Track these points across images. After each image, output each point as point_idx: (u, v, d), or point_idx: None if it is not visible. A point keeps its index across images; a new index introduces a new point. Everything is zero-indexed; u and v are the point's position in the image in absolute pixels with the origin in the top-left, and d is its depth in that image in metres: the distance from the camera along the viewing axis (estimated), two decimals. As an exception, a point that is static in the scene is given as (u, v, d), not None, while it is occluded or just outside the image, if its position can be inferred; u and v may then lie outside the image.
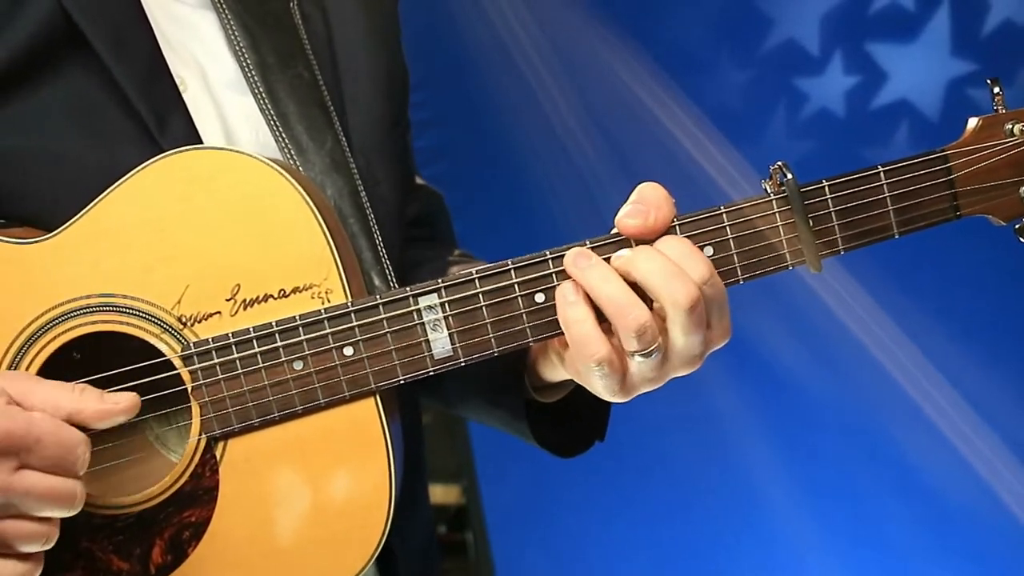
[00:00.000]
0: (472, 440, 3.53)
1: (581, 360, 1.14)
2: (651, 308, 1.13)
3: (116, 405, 1.11)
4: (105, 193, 1.17)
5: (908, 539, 3.14)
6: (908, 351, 3.05)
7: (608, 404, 1.37)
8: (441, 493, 3.66)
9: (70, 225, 1.17)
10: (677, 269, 1.11)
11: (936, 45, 3.06)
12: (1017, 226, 1.21)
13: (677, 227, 1.16)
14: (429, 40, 3.23)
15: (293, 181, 1.18)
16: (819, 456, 3.21)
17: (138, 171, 1.17)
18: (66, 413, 1.09)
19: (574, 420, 1.40)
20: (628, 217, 1.14)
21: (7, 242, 1.17)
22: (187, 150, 1.18)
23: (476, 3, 3.27)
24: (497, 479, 3.53)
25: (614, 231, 1.16)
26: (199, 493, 1.18)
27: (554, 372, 1.29)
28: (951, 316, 3.03)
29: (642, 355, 1.12)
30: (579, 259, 1.14)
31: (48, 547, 1.08)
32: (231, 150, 1.20)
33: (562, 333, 1.16)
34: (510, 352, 1.19)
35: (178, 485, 1.18)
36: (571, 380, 1.29)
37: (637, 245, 1.15)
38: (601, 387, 1.16)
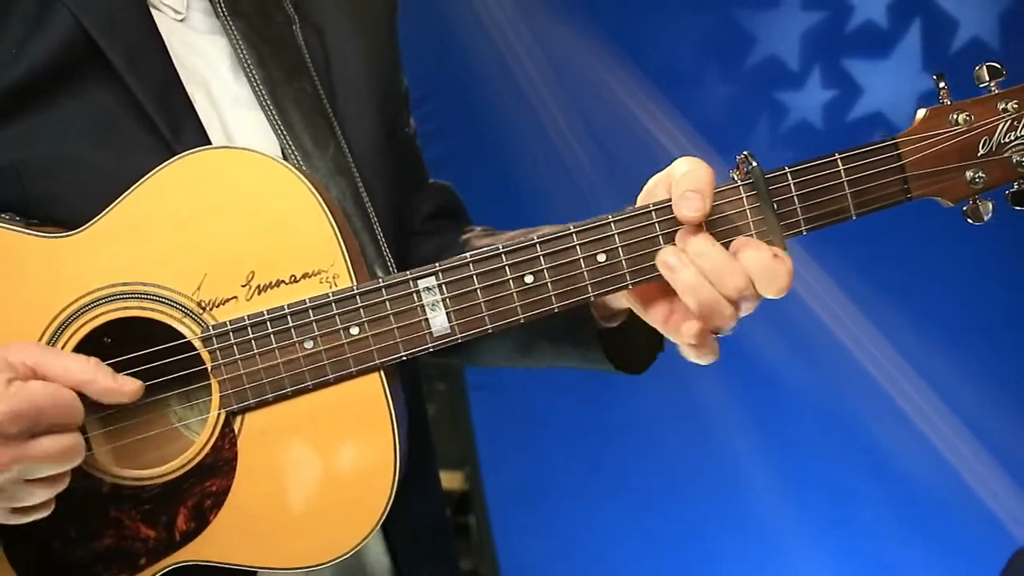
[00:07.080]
0: (475, 429, 3.62)
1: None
2: None
3: (124, 386, 1.20)
4: (128, 192, 1.24)
5: (879, 521, 3.23)
6: (880, 345, 3.15)
7: None
8: (445, 479, 3.68)
9: (96, 221, 1.24)
10: (730, 265, 1.21)
11: (908, 61, 3.18)
12: (965, 208, 1.28)
13: (654, 213, 1.24)
14: (434, 57, 3.33)
15: (300, 176, 1.25)
16: (797, 444, 3.32)
17: (157, 171, 1.24)
18: (79, 381, 1.17)
19: (634, 342, 1.46)
20: (688, 210, 1.21)
21: (38, 236, 1.24)
22: (201, 150, 1.26)
23: (478, 22, 3.36)
24: (498, 466, 3.62)
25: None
26: (219, 464, 1.26)
27: (618, 301, 1.36)
28: (920, 311, 3.14)
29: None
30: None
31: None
32: (242, 149, 1.27)
33: (550, 310, 1.25)
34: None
35: (200, 457, 1.26)
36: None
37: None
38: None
